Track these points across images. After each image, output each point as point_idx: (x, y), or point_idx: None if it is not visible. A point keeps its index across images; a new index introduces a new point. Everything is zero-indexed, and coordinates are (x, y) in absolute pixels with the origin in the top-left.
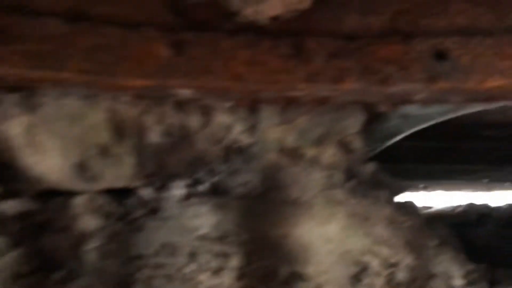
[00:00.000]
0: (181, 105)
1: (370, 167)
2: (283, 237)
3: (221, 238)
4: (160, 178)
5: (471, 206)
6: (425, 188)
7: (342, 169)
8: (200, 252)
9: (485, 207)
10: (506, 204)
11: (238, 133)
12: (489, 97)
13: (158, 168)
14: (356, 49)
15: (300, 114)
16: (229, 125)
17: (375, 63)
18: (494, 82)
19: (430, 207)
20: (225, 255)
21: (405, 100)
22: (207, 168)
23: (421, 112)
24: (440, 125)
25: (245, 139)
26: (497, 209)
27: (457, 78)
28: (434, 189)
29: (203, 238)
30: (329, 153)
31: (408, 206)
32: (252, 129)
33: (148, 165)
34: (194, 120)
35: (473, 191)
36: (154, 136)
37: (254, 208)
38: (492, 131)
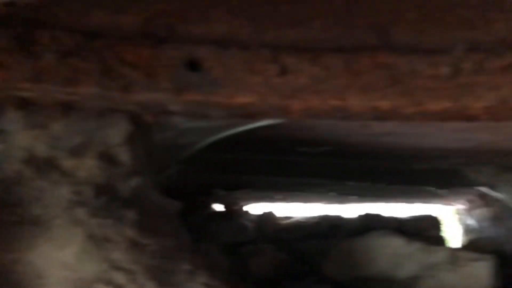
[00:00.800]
0: None
1: (134, 183)
2: (14, 262)
3: None
4: None
5: (324, 218)
6: (283, 200)
7: (96, 184)
8: None
9: (337, 218)
10: (357, 216)
11: None
12: (246, 113)
13: None
14: (99, 49)
15: (52, 119)
16: None
17: (119, 67)
18: (244, 98)
19: (290, 217)
20: None
21: (163, 110)
22: None
23: (201, 125)
24: (265, 139)
25: None
26: (348, 220)
27: (207, 91)
28: (292, 201)
29: None
30: (88, 166)
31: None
32: None
33: None
34: None
35: (330, 203)
36: None
37: None
38: (307, 147)
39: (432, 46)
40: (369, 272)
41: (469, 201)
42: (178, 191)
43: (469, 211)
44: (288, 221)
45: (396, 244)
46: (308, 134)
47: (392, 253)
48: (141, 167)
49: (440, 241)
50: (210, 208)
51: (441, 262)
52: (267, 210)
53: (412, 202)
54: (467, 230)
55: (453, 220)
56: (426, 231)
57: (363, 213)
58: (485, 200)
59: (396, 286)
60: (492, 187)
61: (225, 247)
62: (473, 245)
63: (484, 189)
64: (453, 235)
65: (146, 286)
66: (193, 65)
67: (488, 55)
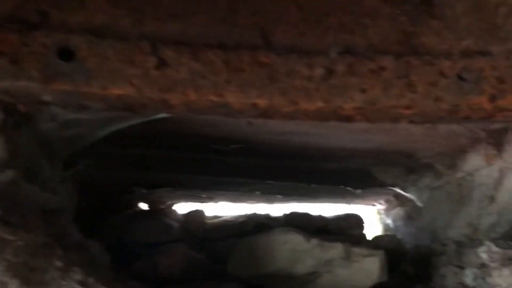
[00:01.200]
0: None
1: (4, 176)
2: None
3: None
4: None
5: (251, 217)
6: (211, 199)
7: None
8: None
9: (265, 217)
10: (283, 214)
11: None
12: (125, 105)
13: None
14: None
15: None
16: None
17: None
18: (119, 90)
19: (218, 217)
20: None
21: (36, 100)
22: None
23: (86, 117)
24: (175, 135)
25: None
26: (274, 219)
27: (80, 81)
28: (220, 200)
29: None
30: None
31: None
32: None
33: None
34: None
35: (257, 202)
36: None
37: None
38: (218, 145)
39: (310, 48)
40: (270, 269)
41: (387, 201)
42: (99, 190)
43: (387, 211)
44: (215, 220)
45: (295, 240)
46: (214, 131)
47: (292, 249)
48: (15, 159)
49: (362, 239)
50: (135, 207)
51: (336, 258)
52: (194, 209)
53: (336, 202)
54: (386, 229)
55: (374, 220)
56: (349, 229)
57: (290, 212)
58: (400, 200)
59: (296, 283)
60: (401, 187)
61: (147, 247)
62: (373, 243)
63: (396, 190)
64: (376, 233)
65: (9, 284)
66: (66, 54)
67: (360, 58)
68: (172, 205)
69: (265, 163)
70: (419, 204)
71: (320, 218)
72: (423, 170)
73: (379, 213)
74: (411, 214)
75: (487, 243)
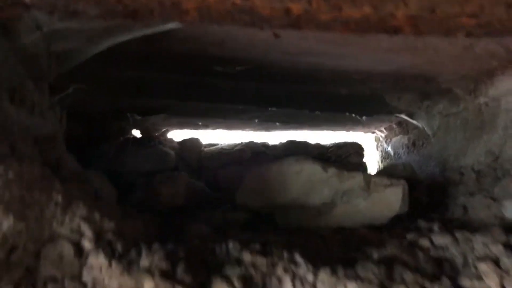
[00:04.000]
0: None
1: None
2: None
3: None
4: None
5: (248, 145)
6: (207, 126)
7: None
8: None
9: (262, 145)
10: (281, 143)
11: None
12: (127, 11)
13: None
14: None
15: None
16: None
17: None
18: None
19: (214, 145)
20: None
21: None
22: None
23: (76, 26)
24: (176, 56)
25: None
26: (272, 147)
27: None
28: (216, 128)
29: None
30: None
31: None
32: None
33: None
34: None
35: (255, 130)
36: None
37: None
38: (224, 67)
39: None
40: (282, 199)
41: (388, 129)
42: (89, 117)
43: (387, 138)
44: (211, 148)
45: (311, 170)
46: (221, 50)
47: (307, 180)
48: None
49: (360, 167)
50: (128, 134)
51: (355, 188)
52: (189, 137)
53: (335, 130)
54: (385, 157)
55: (373, 147)
56: (348, 157)
57: (287, 140)
58: (402, 128)
59: (308, 213)
60: (411, 114)
61: (143, 176)
62: (387, 171)
63: (403, 117)
64: (373, 161)
65: (3, 221)
66: None
67: None
68: (166, 132)
69: (271, 87)
70: (428, 131)
71: (318, 146)
72: (439, 95)
73: (378, 140)
74: (416, 142)
75: None
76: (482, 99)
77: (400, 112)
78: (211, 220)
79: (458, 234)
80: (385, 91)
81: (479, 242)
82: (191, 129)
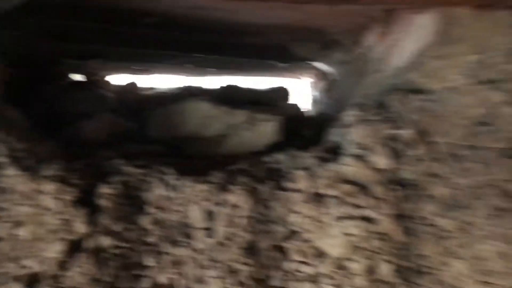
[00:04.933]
0: None
1: None
2: None
3: None
4: None
5: (186, 89)
6: (146, 72)
7: None
8: None
9: (200, 89)
10: (218, 87)
11: None
12: None
13: None
14: None
15: None
16: None
17: None
18: None
19: (153, 88)
20: None
21: None
22: None
23: None
24: (92, 7)
25: None
26: (210, 91)
27: None
28: (155, 73)
29: None
30: None
31: None
32: None
33: None
34: None
35: (191, 75)
36: None
37: None
38: (133, 18)
39: None
40: (183, 132)
41: (316, 76)
42: (28, 62)
43: (315, 84)
44: (151, 92)
45: (205, 108)
46: (130, 3)
47: (202, 116)
48: None
49: (297, 110)
50: (67, 78)
51: (241, 123)
52: (129, 82)
53: (266, 76)
54: (314, 100)
55: (305, 92)
56: (277, 101)
57: (223, 85)
58: (323, 74)
59: (208, 143)
60: (317, 61)
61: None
62: (279, 110)
63: (314, 64)
64: (305, 105)
65: None
66: None
67: None
68: (106, 76)
69: (189, 37)
70: (337, 77)
71: (252, 91)
72: (335, 46)
73: (310, 86)
74: (330, 87)
75: (354, 108)
76: (361, 50)
77: (308, 60)
78: (130, 151)
79: (291, 152)
80: (288, 42)
81: (301, 157)
82: (131, 74)
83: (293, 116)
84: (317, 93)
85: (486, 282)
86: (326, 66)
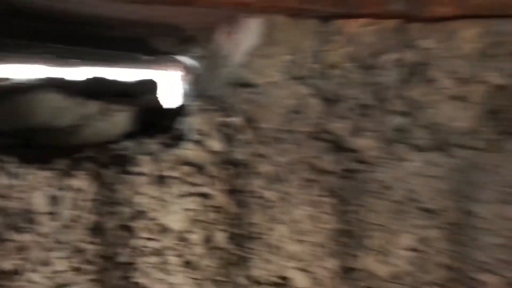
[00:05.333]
0: None
1: None
2: None
3: None
4: None
5: (49, 80)
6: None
7: None
8: None
9: (61, 80)
10: (83, 79)
11: None
12: None
13: None
14: None
15: None
16: None
17: None
18: None
19: (9, 79)
20: None
21: None
22: None
23: None
24: None
25: None
26: (75, 83)
27: None
28: (9, 62)
29: None
30: None
31: None
32: None
33: None
34: None
35: (55, 66)
36: None
37: None
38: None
39: None
40: (32, 122)
41: (182, 69)
42: None
43: (184, 77)
44: (4, 83)
45: (56, 98)
46: None
47: (53, 106)
48: None
49: (156, 101)
50: None
51: (95, 113)
52: None
53: (134, 68)
54: (184, 93)
55: (175, 84)
56: (144, 93)
57: (90, 76)
58: (190, 67)
59: (60, 134)
60: (180, 55)
61: None
62: (138, 102)
63: (177, 57)
64: (175, 97)
65: None
66: None
67: None
68: None
69: (46, 27)
70: (199, 71)
71: (119, 83)
72: (192, 41)
73: (180, 79)
74: (195, 80)
75: (198, 99)
76: (214, 46)
77: (169, 54)
78: None
79: (138, 140)
80: (150, 36)
81: (147, 144)
82: None
83: (153, 107)
84: (186, 86)
85: (301, 241)
86: (189, 60)
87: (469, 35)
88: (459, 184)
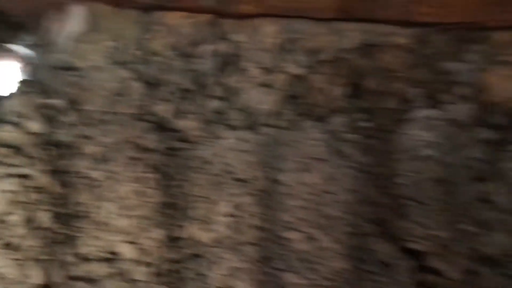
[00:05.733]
0: None
1: None
2: None
3: None
4: None
5: None
6: None
7: None
8: None
9: None
10: None
11: None
12: None
13: None
14: None
15: None
16: None
17: None
18: None
19: None
20: None
21: None
22: None
23: None
24: None
25: None
26: None
27: None
28: None
29: None
30: None
31: None
32: None
33: None
34: None
35: None
36: None
37: None
38: None
39: None
40: None
41: (18, 58)
42: None
43: (24, 67)
44: None
45: None
46: None
47: None
48: None
49: None
50: None
51: None
52: None
53: None
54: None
55: (16, 75)
56: None
57: None
58: (25, 57)
59: None
60: (11, 43)
61: None
62: None
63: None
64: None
65: None
66: None
67: None
68: None
69: None
70: (36, 60)
71: None
72: (22, 28)
73: (20, 69)
74: (33, 69)
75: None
76: (45, 33)
77: (4, 42)
78: None
79: None
80: None
81: None
82: None
83: None
84: (25, 75)
85: (128, 215)
86: (24, 49)
87: (269, 31)
88: (266, 157)
